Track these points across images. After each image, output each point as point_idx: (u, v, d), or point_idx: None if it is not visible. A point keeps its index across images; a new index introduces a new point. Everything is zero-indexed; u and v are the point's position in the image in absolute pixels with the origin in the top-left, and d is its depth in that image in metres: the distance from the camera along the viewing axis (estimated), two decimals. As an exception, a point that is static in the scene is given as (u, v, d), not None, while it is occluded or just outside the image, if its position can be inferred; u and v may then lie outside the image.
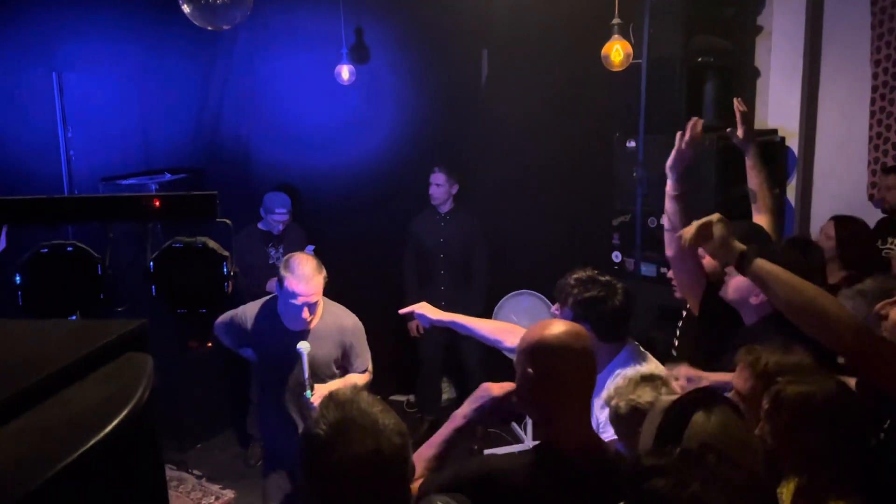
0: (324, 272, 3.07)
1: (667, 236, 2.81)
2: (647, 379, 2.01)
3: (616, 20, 3.67)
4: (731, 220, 3.12)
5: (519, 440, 4.67)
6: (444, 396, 5.49)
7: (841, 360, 1.95)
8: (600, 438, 1.84)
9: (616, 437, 2.04)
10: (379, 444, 1.41)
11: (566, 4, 4.37)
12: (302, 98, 5.20)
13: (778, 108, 4.54)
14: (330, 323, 3.17)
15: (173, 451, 4.79)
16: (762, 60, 4.61)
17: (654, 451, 1.50)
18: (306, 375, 2.98)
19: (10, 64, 4.38)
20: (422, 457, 1.89)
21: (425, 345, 5.10)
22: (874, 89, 4.24)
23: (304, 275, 3.00)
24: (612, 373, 2.32)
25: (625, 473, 1.46)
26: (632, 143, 4.22)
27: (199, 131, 5.23)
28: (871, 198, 4.33)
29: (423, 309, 2.85)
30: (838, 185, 4.47)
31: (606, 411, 2.06)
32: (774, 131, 4.51)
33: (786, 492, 1.65)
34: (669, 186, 2.74)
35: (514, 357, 2.10)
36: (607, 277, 2.44)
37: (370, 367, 3.30)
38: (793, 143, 4.49)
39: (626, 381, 2.02)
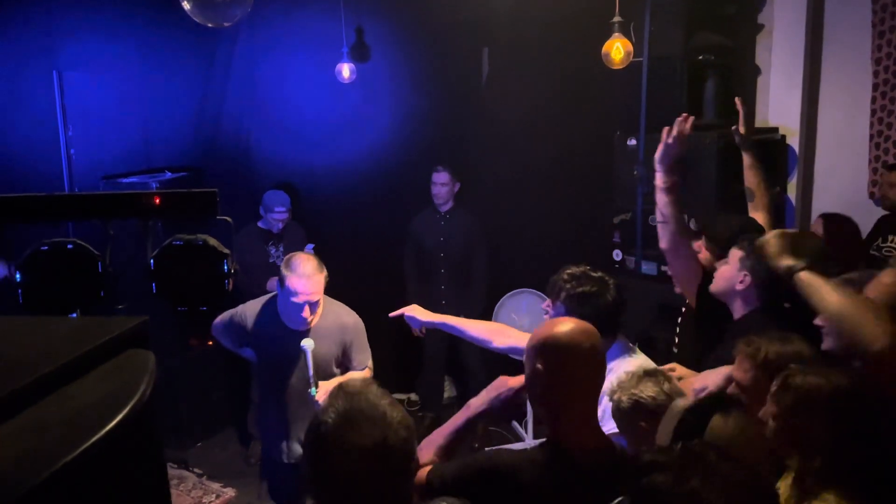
0: (325, 271, 3.07)
1: (659, 228, 2.83)
2: (650, 374, 2.03)
3: (617, 18, 3.67)
4: (729, 215, 3.14)
5: (520, 439, 4.67)
6: (446, 395, 5.49)
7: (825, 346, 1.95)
8: (607, 436, 1.84)
9: (617, 430, 2.05)
10: (386, 436, 1.42)
11: (567, 3, 4.37)
12: (302, 96, 5.20)
13: (778, 106, 4.54)
14: (330, 321, 3.16)
15: (174, 449, 4.79)
16: (763, 58, 4.61)
17: (656, 447, 1.50)
18: (311, 372, 2.96)
19: (12, 62, 4.38)
20: (432, 443, 1.90)
21: (427, 343, 5.10)
22: (875, 87, 4.23)
23: (306, 273, 2.99)
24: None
25: (627, 469, 1.46)
26: (632, 142, 4.22)
27: (199, 130, 5.23)
28: (871, 196, 4.32)
29: (414, 311, 2.85)
30: (839, 184, 4.46)
31: (604, 402, 2.06)
32: (775, 129, 4.50)
33: (783, 485, 1.65)
34: (658, 179, 2.76)
35: (510, 356, 2.12)
36: (600, 273, 2.45)
37: (370, 364, 3.30)
38: (793, 142, 4.49)
39: (629, 376, 2.03)
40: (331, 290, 3.19)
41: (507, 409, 1.93)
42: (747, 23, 4.58)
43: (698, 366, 2.48)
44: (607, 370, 2.22)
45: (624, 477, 1.48)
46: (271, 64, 5.19)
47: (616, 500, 1.48)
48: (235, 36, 5.06)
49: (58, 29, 4.48)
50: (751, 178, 3.27)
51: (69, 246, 1.93)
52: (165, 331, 4.68)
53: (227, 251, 1.99)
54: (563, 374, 1.72)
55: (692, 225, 3.57)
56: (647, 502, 1.29)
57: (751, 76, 4.62)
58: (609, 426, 2.06)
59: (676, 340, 3.01)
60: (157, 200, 1.96)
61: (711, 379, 2.13)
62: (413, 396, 5.49)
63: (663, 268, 3.93)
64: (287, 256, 3.14)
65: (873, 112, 4.25)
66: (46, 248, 1.93)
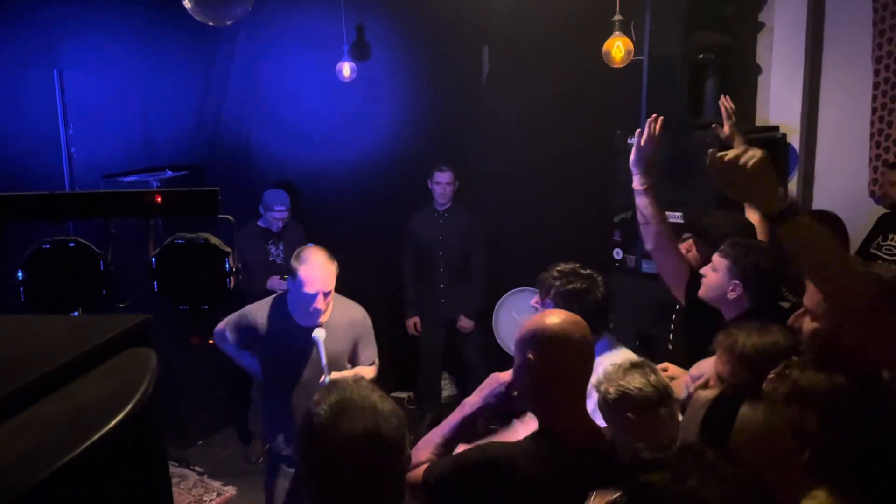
0: (335, 262, 3.08)
1: (642, 230, 2.87)
2: (637, 365, 2.04)
3: (617, 17, 3.67)
4: (720, 213, 3.14)
5: (520, 437, 4.67)
6: (445, 393, 5.49)
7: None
8: (597, 424, 1.87)
9: (605, 423, 2.07)
10: (377, 424, 1.45)
11: (567, 1, 4.37)
12: (303, 95, 5.20)
13: (779, 105, 4.54)
14: (340, 317, 3.17)
15: (175, 448, 4.80)
16: (763, 57, 4.60)
17: (655, 444, 1.51)
18: (324, 362, 2.96)
19: (12, 61, 4.38)
20: (429, 443, 1.91)
21: (425, 342, 5.11)
22: (875, 86, 4.23)
23: (318, 263, 3.01)
24: None
25: (624, 464, 1.47)
26: (633, 140, 4.21)
27: (200, 128, 5.24)
28: (872, 194, 4.32)
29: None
30: (839, 182, 4.46)
31: (594, 398, 2.07)
32: (776, 128, 4.50)
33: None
34: (636, 182, 2.81)
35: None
36: (588, 271, 2.51)
37: (377, 360, 3.31)
38: (794, 140, 4.49)
39: (616, 368, 2.04)
40: (331, 288, 3.19)
41: (503, 403, 1.95)
42: (748, 21, 4.58)
43: (692, 363, 2.49)
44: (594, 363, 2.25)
45: (620, 473, 1.49)
46: (272, 62, 5.19)
47: (612, 498, 1.49)
48: (236, 34, 5.06)
49: (58, 28, 4.48)
50: None
51: (71, 244, 1.93)
52: (167, 329, 4.69)
53: (228, 250, 1.99)
54: (555, 363, 1.76)
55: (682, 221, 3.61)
56: (644, 500, 1.29)
57: (751, 75, 4.62)
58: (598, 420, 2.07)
59: (671, 337, 3.03)
60: (159, 199, 1.96)
61: (707, 366, 2.15)
62: (412, 395, 5.50)
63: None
64: (297, 250, 3.14)
65: (874, 111, 4.25)
66: (48, 246, 1.93)
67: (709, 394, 1.78)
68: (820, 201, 4.51)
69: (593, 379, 2.02)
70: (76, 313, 1.90)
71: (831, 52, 4.42)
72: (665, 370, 2.50)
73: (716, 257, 2.55)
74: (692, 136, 4.00)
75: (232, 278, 1.99)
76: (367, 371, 3.20)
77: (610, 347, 2.51)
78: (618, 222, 4.38)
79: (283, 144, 5.26)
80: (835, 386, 1.63)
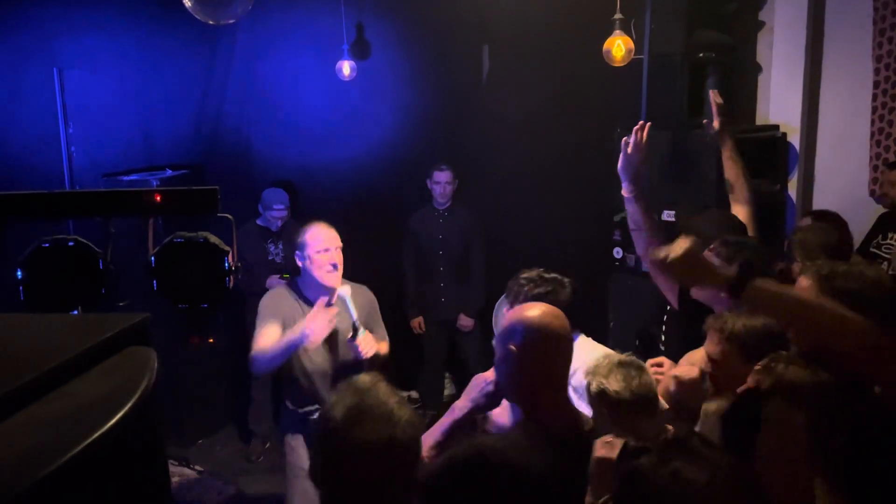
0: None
1: (633, 236, 2.90)
2: (624, 365, 2.04)
3: (618, 16, 3.66)
4: (709, 211, 3.14)
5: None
6: (447, 392, 5.50)
7: None
8: (577, 410, 1.91)
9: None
10: (393, 433, 1.46)
11: (567, 0, 4.37)
12: (303, 94, 5.20)
13: (779, 104, 4.54)
14: (358, 294, 3.20)
15: (175, 447, 4.80)
16: (763, 56, 4.60)
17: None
18: (354, 317, 3.02)
19: (12, 60, 4.38)
20: (423, 445, 1.92)
21: (428, 341, 5.11)
22: (876, 85, 4.23)
23: (322, 225, 3.14)
24: None
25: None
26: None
27: (200, 127, 5.23)
28: (872, 193, 4.32)
29: None
30: (840, 181, 4.46)
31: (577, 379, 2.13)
32: (776, 127, 4.50)
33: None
34: (624, 189, 2.81)
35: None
36: (554, 275, 2.60)
37: (387, 337, 3.37)
38: (794, 139, 4.49)
39: (606, 362, 2.06)
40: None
41: (492, 402, 2.00)
42: (748, 20, 4.58)
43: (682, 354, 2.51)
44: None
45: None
46: (272, 61, 5.19)
47: (607, 496, 1.50)
48: (236, 33, 5.06)
49: (58, 27, 4.48)
50: (729, 169, 3.29)
51: (70, 243, 1.94)
52: (166, 328, 4.69)
53: (227, 248, 1.99)
54: (535, 355, 1.81)
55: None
56: (631, 484, 1.30)
57: (751, 74, 4.62)
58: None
59: (663, 339, 3.03)
60: (158, 198, 1.97)
61: (696, 358, 2.16)
62: (413, 394, 5.50)
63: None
64: (298, 237, 3.22)
65: (874, 110, 4.25)
66: (48, 245, 1.93)
67: (719, 405, 1.78)
68: (820, 200, 4.51)
69: (586, 366, 2.09)
70: (76, 312, 1.90)
71: (832, 51, 4.42)
72: (660, 365, 2.52)
73: (707, 256, 2.54)
74: (692, 135, 4.00)
75: (231, 277, 2.00)
76: (383, 346, 3.25)
77: (579, 347, 2.56)
78: (618, 221, 4.38)
79: (282, 143, 5.26)
80: (819, 383, 1.63)
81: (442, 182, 4.89)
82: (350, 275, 3.32)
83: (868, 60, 4.24)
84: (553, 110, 4.73)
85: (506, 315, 2.53)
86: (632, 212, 2.82)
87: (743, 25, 4.55)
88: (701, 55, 4.22)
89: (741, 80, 4.55)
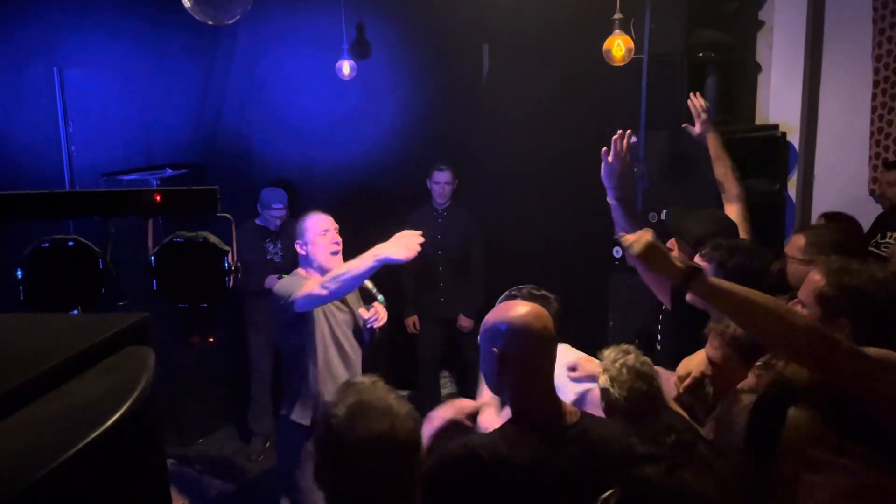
0: None
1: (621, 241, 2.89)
2: (637, 373, 2.07)
3: (617, 15, 3.66)
4: (699, 211, 3.14)
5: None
6: (445, 391, 5.50)
7: None
8: (564, 405, 1.92)
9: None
10: (393, 425, 1.48)
11: (567, 0, 4.37)
12: (303, 93, 5.20)
13: (779, 103, 4.54)
14: None
15: (174, 446, 4.80)
16: (763, 55, 4.60)
17: (647, 439, 1.52)
18: (370, 285, 3.21)
19: (12, 59, 4.38)
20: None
21: (424, 341, 5.11)
22: (875, 84, 4.23)
23: (318, 212, 3.29)
24: None
25: (618, 458, 1.49)
26: (633, 139, 4.22)
27: (200, 127, 5.23)
28: (872, 193, 4.32)
29: None
30: (839, 181, 4.46)
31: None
32: (775, 126, 4.50)
33: None
34: (609, 196, 2.84)
35: None
36: (543, 292, 2.64)
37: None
38: (794, 139, 4.49)
39: (622, 362, 2.08)
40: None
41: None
42: (748, 19, 4.58)
43: (681, 360, 2.52)
44: None
45: (598, 454, 1.51)
46: (272, 61, 5.19)
47: (607, 493, 1.50)
48: (236, 33, 5.06)
49: (58, 26, 4.47)
50: (718, 168, 3.31)
51: (70, 243, 1.94)
52: (166, 328, 4.69)
53: (227, 248, 2.00)
54: (518, 355, 1.83)
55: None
56: (638, 493, 1.30)
57: (751, 73, 4.62)
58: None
59: (659, 338, 3.04)
60: (158, 198, 1.97)
61: (693, 364, 2.16)
62: (411, 393, 5.50)
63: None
64: (297, 227, 3.34)
65: (874, 109, 4.25)
66: (47, 245, 1.94)
67: (749, 398, 1.79)
68: (819, 200, 4.51)
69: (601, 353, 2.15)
70: (75, 312, 1.90)
71: (831, 51, 4.42)
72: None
73: (699, 261, 2.54)
74: (691, 135, 4.00)
75: (231, 277, 2.00)
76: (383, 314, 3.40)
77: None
78: (617, 221, 4.38)
79: (282, 143, 5.26)
80: (814, 379, 1.64)
81: (441, 182, 4.89)
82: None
83: (868, 60, 4.25)
84: (553, 110, 4.73)
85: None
86: (617, 218, 2.85)
87: (742, 25, 4.55)
88: (701, 55, 4.22)
89: (741, 80, 4.55)
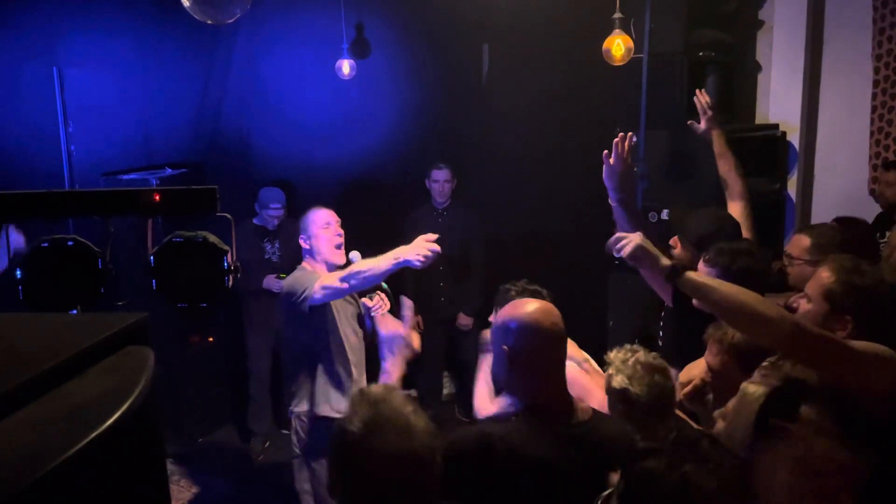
0: None
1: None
2: (650, 368, 2.07)
3: (617, 15, 3.66)
4: (702, 210, 3.15)
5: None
6: (445, 391, 5.50)
7: None
8: (575, 401, 1.94)
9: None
10: (411, 444, 1.45)
11: (567, -1, 4.37)
12: (302, 93, 5.19)
13: (779, 103, 4.54)
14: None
15: (174, 446, 4.80)
16: (763, 55, 4.60)
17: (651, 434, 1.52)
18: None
19: (11, 59, 4.38)
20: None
21: (426, 340, 5.10)
22: (875, 84, 4.23)
23: (319, 207, 3.33)
24: None
25: (623, 454, 1.49)
26: (633, 140, 4.22)
27: (199, 126, 5.23)
28: (871, 193, 4.32)
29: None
30: (839, 180, 4.46)
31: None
32: (775, 126, 4.50)
33: None
34: (611, 197, 2.86)
35: None
36: (535, 287, 2.72)
37: None
38: (794, 138, 4.49)
39: (633, 360, 2.08)
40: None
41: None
42: (748, 19, 4.58)
43: (682, 358, 2.52)
44: None
45: (606, 450, 1.54)
46: (271, 60, 5.18)
47: (607, 492, 1.50)
48: (235, 33, 5.05)
49: (58, 26, 4.47)
50: (722, 166, 3.32)
51: (69, 243, 1.94)
52: (166, 328, 4.69)
53: (226, 248, 1.99)
54: (527, 352, 1.85)
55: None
56: (640, 486, 1.30)
57: (751, 73, 4.62)
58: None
59: (660, 335, 3.04)
60: (157, 197, 1.96)
61: (697, 370, 2.17)
62: (412, 393, 5.49)
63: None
64: (300, 222, 3.37)
65: (874, 109, 4.25)
66: (47, 244, 1.93)
67: (758, 389, 1.79)
68: (819, 199, 4.51)
69: (609, 355, 2.16)
70: (74, 311, 1.90)
71: (831, 51, 4.42)
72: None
73: (702, 266, 2.54)
74: (691, 134, 4.00)
75: (231, 276, 2.00)
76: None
77: None
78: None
79: (282, 142, 5.25)
80: (823, 381, 1.64)
81: (440, 181, 4.89)
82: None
83: (868, 60, 4.25)
84: (552, 109, 4.73)
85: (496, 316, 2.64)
86: (619, 219, 2.85)
87: (743, 24, 4.55)
88: (701, 54, 4.22)
89: (741, 79, 4.55)
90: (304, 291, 3.09)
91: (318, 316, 3.21)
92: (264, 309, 4.81)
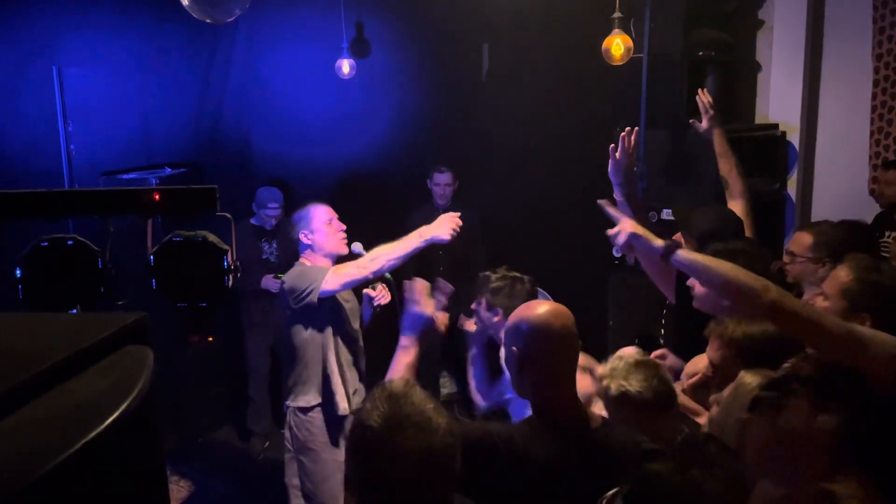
0: None
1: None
2: (642, 365, 2.05)
3: (617, 14, 3.66)
4: (705, 207, 3.15)
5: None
6: (445, 391, 5.50)
7: None
8: (585, 406, 1.93)
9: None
10: (431, 443, 1.43)
11: (567, -1, 4.37)
12: (302, 92, 5.19)
13: (779, 103, 4.53)
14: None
15: (173, 446, 4.80)
16: (763, 55, 4.60)
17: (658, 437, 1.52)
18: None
19: (11, 58, 4.38)
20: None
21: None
22: (875, 83, 4.23)
23: (317, 203, 3.35)
24: None
25: (618, 447, 1.49)
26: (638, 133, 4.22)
27: (199, 126, 5.23)
28: (871, 192, 4.32)
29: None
30: (839, 180, 4.46)
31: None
32: (775, 126, 4.50)
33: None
34: (616, 193, 2.87)
35: None
36: (515, 273, 2.81)
37: None
38: (794, 138, 4.48)
39: (622, 364, 2.06)
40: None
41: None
42: (748, 19, 4.58)
43: (684, 354, 2.52)
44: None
45: (618, 459, 1.50)
46: (271, 60, 5.18)
47: (612, 491, 1.50)
48: (235, 32, 5.05)
49: (58, 25, 4.47)
50: (723, 165, 3.33)
51: (69, 242, 1.94)
52: (165, 327, 4.69)
53: (226, 247, 1.99)
54: (538, 354, 1.83)
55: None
56: (647, 489, 1.30)
57: (751, 73, 4.62)
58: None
59: (662, 332, 3.04)
60: (157, 197, 1.97)
61: (703, 363, 2.17)
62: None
63: (663, 264, 3.94)
64: (297, 217, 3.36)
65: (874, 108, 4.25)
66: (46, 244, 1.93)
67: (753, 380, 1.79)
68: (819, 199, 4.51)
69: (599, 369, 2.12)
70: (74, 311, 1.90)
71: (831, 50, 4.42)
72: (664, 358, 2.54)
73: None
74: (691, 134, 4.01)
75: (231, 276, 2.00)
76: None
77: None
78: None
79: (282, 142, 5.25)
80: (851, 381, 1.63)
81: (442, 184, 4.89)
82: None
83: (868, 60, 4.24)
84: (552, 109, 4.73)
85: (483, 314, 2.81)
86: (623, 212, 2.85)
87: (742, 24, 4.55)
88: (700, 54, 4.22)
89: (741, 79, 4.55)
90: (309, 286, 3.08)
91: (324, 309, 3.21)
92: (262, 309, 4.81)
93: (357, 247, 3.32)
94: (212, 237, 1.99)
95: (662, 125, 4.15)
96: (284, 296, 3.26)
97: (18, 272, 1.92)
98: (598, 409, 2.09)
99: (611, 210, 2.48)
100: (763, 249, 2.67)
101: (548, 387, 1.85)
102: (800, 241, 2.83)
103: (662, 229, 3.02)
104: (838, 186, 4.45)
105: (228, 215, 2.21)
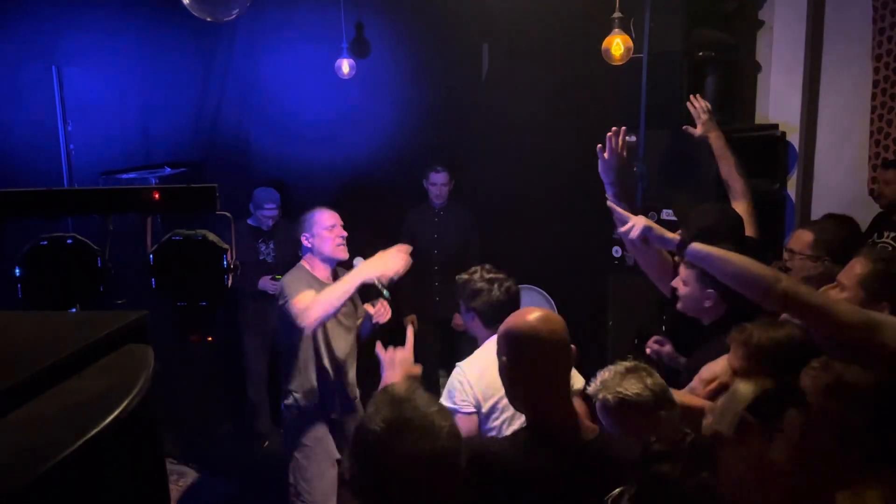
0: None
1: (622, 235, 2.92)
2: (632, 370, 2.03)
3: (617, 14, 3.66)
4: (705, 205, 3.16)
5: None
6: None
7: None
8: (582, 419, 1.89)
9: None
10: (434, 447, 1.43)
11: (567, -1, 4.37)
12: (302, 92, 5.19)
13: (779, 103, 4.53)
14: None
15: (173, 445, 4.79)
16: (763, 55, 4.60)
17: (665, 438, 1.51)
18: (375, 280, 3.25)
19: (10, 58, 4.37)
20: None
21: (420, 340, 5.09)
22: (875, 84, 4.22)
23: (324, 207, 3.40)
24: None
25: (618, 457, 1.47)
26: (632, 138, 4.22)
27: (199, 125, 5.22)
28: (871, 192, 4.32)
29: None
30: (839, 180, 4.46)
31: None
32: (775, 126, 4.50)
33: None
34: (608, 193, 2.86)
35: None
36: (494, 274, 2.79)
37: None
38: (793, 138, 4.48)
39: (612, 374, 2.03)
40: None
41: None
42: (748, 19, 4.57)
43: (684, 354, 2.52)
44: (486, 352, 2.52)
45: (619, 466, 1.50)
46: (271, 59, 5.18)
47: (619, 489, 1.49)
48: (235, 31, 5.05)
49: (57, 24, 4.47)
50: (723, 167, 3.34)
51: (69, 241, 1.94)
52: (165, 326, 4.68)
53: (226, 246, 1.99)
54: (527, 363, 1.79)
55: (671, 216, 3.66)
56: (655, 490, 1.29)
57: (751, 73, 4.62)
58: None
59: (663, 328, 3.04)
60: (157, 196, 1.96)
61: (719, 368, 2.15)
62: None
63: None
64: (303, 219, 3.41)
65: (873, 109, 4.25)
66: (46, 243, 1.93)
67: (748, 388, 1.78)
68: (819, 199, 4.51)
69: (590, 388, 2.04)
70: (74, 310, 1.90)
71: (831, 51, 4.42)
72: (661, 344, 2.54)
73: (682, 270, 2.55)
74: (693, 136, 4.01)
75: (230, 275, 2.00)
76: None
77: None
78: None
79: (281, 141, 5.25)
80: (881, 383, 1.62)
81: (438, 184, 4.90)
82: (346, 271, 3.36)
83: (868, 60, 4.24)
84: (552, 109, 4.72)
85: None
86: (617, 218, 2.85)
87: (742, 24, 4.55)
88: (700, 54, 4.21)
89: (740, 79, 4.55)
90: (287, 299, 3.16)
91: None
92: (260, 309, 4.81)
93: (359, 261, 3.36)
94: (212, 236, 1.99)
95: (662, 125, 4.15)
96: (277, 299, 3.34)
97: (18, 271, 1.92)
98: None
99: (620, 210, 2.46)
100: (762, 250, 2.68)
101: (539, 397, 1.80)
102: (800, 238, 2.83)
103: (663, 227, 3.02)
104: (838, 186, 4.45)
105: (228, 214, 2.21)
